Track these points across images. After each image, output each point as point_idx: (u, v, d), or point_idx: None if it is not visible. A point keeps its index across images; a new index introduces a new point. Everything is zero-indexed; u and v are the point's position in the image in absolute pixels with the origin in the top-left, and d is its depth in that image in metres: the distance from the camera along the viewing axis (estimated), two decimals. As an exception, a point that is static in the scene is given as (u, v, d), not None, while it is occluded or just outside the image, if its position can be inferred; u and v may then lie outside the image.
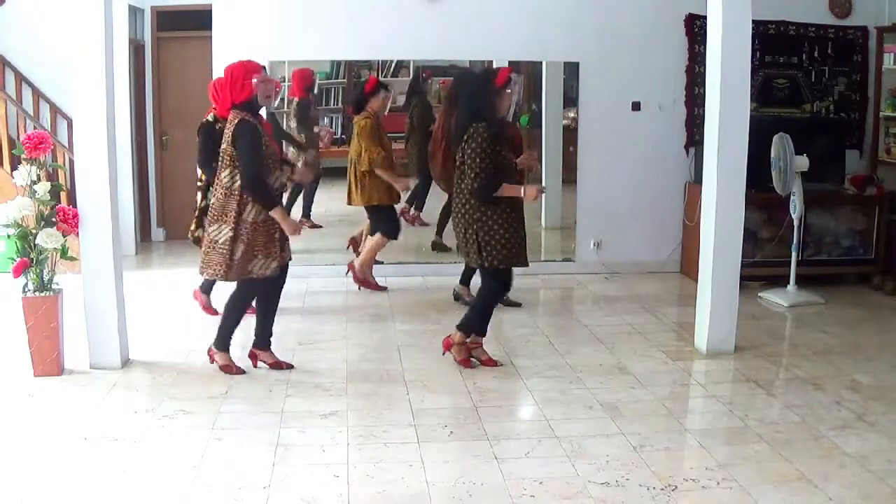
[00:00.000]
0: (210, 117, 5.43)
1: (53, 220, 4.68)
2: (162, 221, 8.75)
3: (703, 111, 5.30)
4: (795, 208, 6.40)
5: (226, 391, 4.55)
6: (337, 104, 7.64)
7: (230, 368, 4.83)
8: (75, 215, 4.72)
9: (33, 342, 4.67)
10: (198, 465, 3.65)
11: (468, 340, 4.94)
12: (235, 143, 4.46)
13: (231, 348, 4.89)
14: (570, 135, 7.44)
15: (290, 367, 4.92)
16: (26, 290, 4.69)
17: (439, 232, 7.30)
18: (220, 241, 4.55)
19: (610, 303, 6.50)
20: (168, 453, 3.79)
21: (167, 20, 8.41)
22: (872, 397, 4.53)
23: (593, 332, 5.70)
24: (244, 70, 4.56)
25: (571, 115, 7.42)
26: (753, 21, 5.06)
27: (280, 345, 5.29)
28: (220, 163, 4.58)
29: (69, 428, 4.02)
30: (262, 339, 4.95)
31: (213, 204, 4.63)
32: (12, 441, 3.90)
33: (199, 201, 5.61)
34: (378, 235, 6.56)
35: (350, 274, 6.76)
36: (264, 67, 4.73)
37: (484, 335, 4.99)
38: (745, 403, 4.43)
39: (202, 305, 6.04)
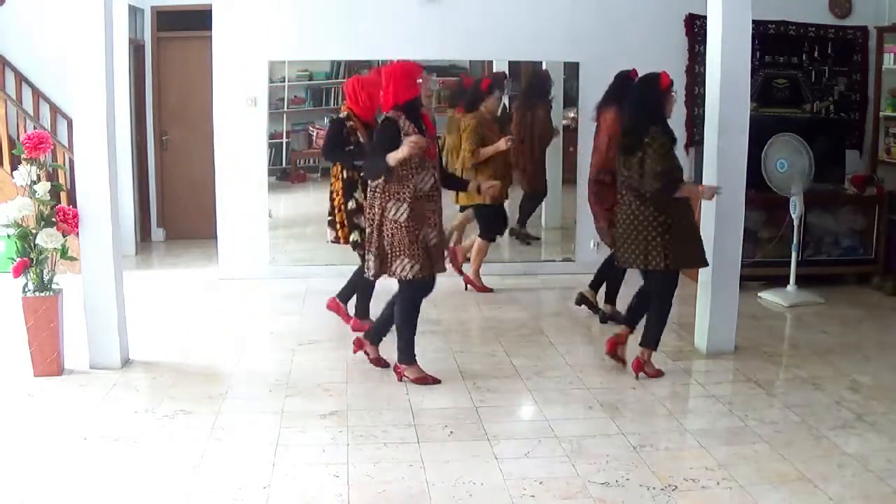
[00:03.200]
0: (344, 114, 5.35)
1: (53, 220, 4.67)
2: (162, 221, 8.76)
3: (703, 111, 5.30)
4: (795, 208, 6.40)
5: (226, 391, 4.55)
6: (337, 104, 7.63)
7: (425, 379, 4.67)
8: (75, 215, 4.72)
9: (33, 342, 4.67)
10: (198, 465, 3.65)
11: (618, 332, 4.92)
12: (373, 136, 4.60)
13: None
14: (570, 135, 7.43)
15: (387, 365, 4.85)
16: (26, 290, 4.69)
17: (522, 221, 7.43)
18: (368, 237, 4.58)
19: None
20: (168, 453, 3.79)
21: (167, 20, 8.41)
22: (872, 397, 4.53)
23: (593, 332, 5.70)
24: (411, 70, 4.56)
25: (571, 115, 7.42)
26: (753, 21, 5.06)
27: (280, 345, 5.31)
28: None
29: (69, 428, 4.02)
30: (376, 334, 4.89)
31: (366, 202, 4.67)
32: (12, 441, 3.90)
33: (338, 203, 5.38)
34: (478, 239, 6.63)
35: (470, 287, 6.75)
36: (423, 69, 4.72)
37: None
38: (745, 403, 4.43)
39: (342, 315, 5.80)
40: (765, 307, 6.42)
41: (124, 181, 7.50)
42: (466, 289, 6.76)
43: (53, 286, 4.72)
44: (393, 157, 4.35)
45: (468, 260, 6.80)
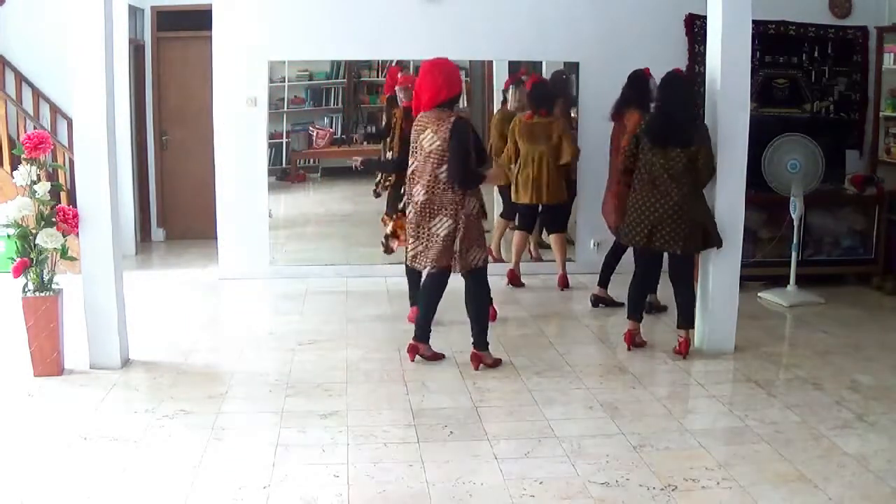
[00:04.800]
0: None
1: (53, 220, 4.67)
2: (162, 221, 8.76)
3: (703, 111, 5.30)
4: (795, 208, 6.40)
5: (226, 391, 4.55)
6: (337, 104, 7.64)
7: (498, 362, 4.95)
8: (75, 215, 4.72)
9: (33, 342, 4.67)
10: (198, 465, 3.65)
11: (630, 329, 5.28)
12: (453, 138, 4.63)
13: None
14: (570, 135, 7.42)
15: (443, 356, 5.07)
16: (26, 290, 4.69)
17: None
18: (443, 235, 4.70)
19: (610, 303, 6.49)
20: (168, 453, 3.79)
21: (167, 20, 8.41)
22: (872, 397, 4.53)
23: (593, 332, 5.70)
24: (454, 68, 4.74)
25: (571, 115, 7.41)
26: (753, 21, 5.06)
27: (280, 345, 5.31)
28: (425, 158, 4.70)
29: (69, 428, 4.02)
30: (423, 333, 5.03)
31: (425, 199, 4.73)
32: (12, 441, 3.90)
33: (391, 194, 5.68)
34: (558, 235, 6.84)
35: (510, 285, 6.87)
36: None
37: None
38: (745, 403, 4.43)
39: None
40: (765, 307, 6.42)
41: (124, 181, 7.50)
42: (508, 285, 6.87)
43: (53, 286, 4.72)
44: (490, 175, 4.97)
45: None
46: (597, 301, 6.28)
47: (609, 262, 6.29)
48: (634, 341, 5.27)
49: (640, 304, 5.34)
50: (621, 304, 5.82)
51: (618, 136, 5.95)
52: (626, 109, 5.82)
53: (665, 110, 5.09)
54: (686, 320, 5.13)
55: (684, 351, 5.10)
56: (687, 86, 5.26)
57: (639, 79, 5.82)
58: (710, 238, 5.04)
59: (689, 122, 5.00)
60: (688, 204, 4.94)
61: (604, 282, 6.28)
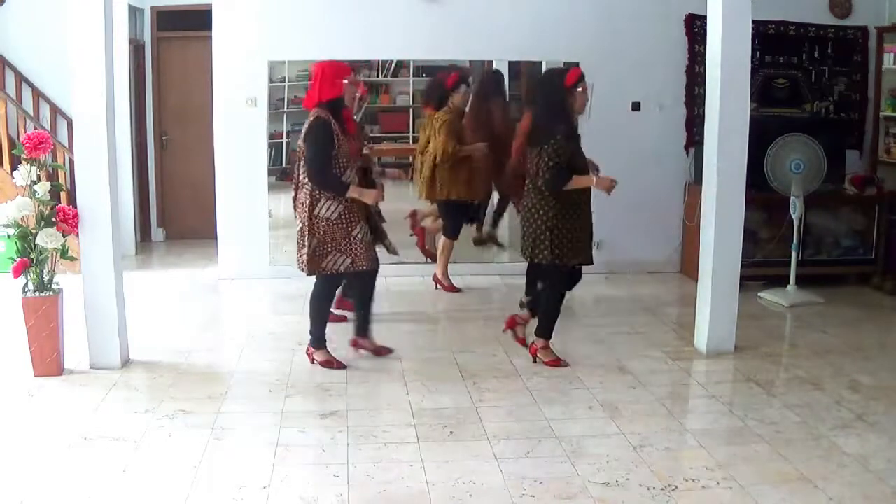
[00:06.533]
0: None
1: (53, 220, 4.67)
2: (162, 221, 8.76)
3: (703, 111, 5.30)
4: (795, 208, 6.40)
5: (226, 391, 4.55)
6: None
7: (330, 363, 4.91)
8: (75, 215, 4.72)
9: (33, 342, 4.67)
10: (198, 465, 3.65)
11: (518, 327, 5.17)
12: (305, 139, 4.61)
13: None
14: (569, 135, 7.42)
15: (389, 351, 5.14)
16: (26, 290, 4.69)
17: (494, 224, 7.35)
18: (298, 236, 4.76)
19: (610, 303, 6.50)
20: (168, 453, 3.79)
21: (167, 20, 8.41)
22: (872, 397, 4.53)
23: (593, 332, 5.70)
24: (337, 70, 4.70)
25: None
26: (753, 21, 5.06)
27: (280, 345, 5.31)
28: (297, 160, 4.71)
29: (69, 428, 4.02)
30: (362, 328, 5.07)
31: (295, 200, 4.80)
32: (12, 441, 3.90)
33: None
34: (443, 238, 6.64)
35: (439, 287, 6.77)
36: (351, 70, 4.85)
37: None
38: (745, 403, 4.43)
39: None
40: (765, 307, 6.42)
41: (124, 181, 7.49)
42: (436, 288, 6.75)
43: (53, 286, 4.72)
44: (355, 193, 4.67)
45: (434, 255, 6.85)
46: (529, 304, 6.14)
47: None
48: (516, 333, 5.20)
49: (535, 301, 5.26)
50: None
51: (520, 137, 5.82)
52: (529, 109, 5.61)
53: (535, 111, 4.96)
54: (538, 328, 5.03)
55: (532, 353, 5.02)
56: (549, 85, 4.93)
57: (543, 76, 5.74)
58: (567, 253, 4.77)
59: (547, 123, 4.74)
60: (533, 210, 4.80)
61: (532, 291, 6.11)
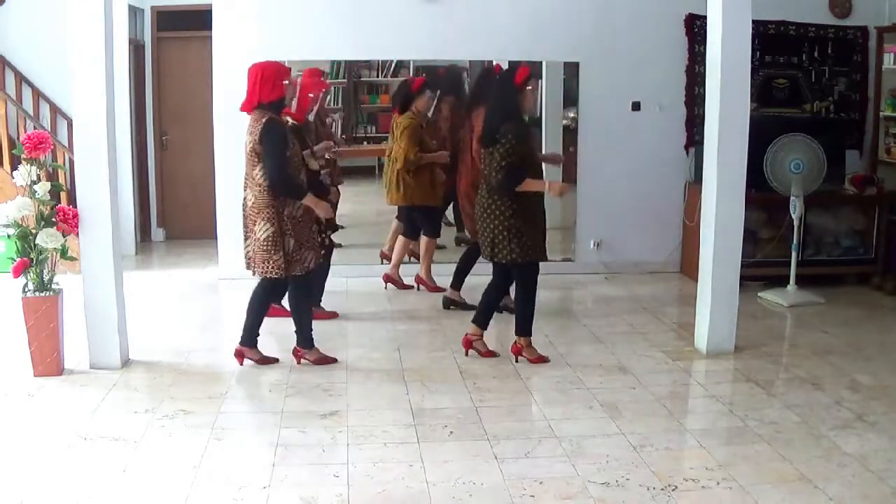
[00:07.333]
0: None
1: (53, 220, 4.67)
2: (162, 221, 8.76)
3: (703, 111, 5.30)
4: (795, 208, 6.40)
5: (226, 391, 4.55)
6: (337, 104, 7.64)
7: (324, 360, 4.96)
8: (75, 215, 4.72)
9: (33, 342, 4.67)
10: (198, 465, 3.65)
11: (469, 332, 5.10)
12: (262, 140, 4.52)
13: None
14: (570, 135, 7.43)
15: (276, 360, 5.03)
16: (26, 290, 4.69)
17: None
18: (262, 239, 4.64)
19: (610, 303, 6.50)
20: (168, 453, 3.79)
21: (167, 20, 8.41)
22: (872, 397, 4.53)
23: (593, 332, 5.70)
24: (277, 71, 4.65)
25: (571, 115, 7.41)
26: (753, 21, 5.06)
27: (281, 345, 5.30)
28: (247, 161, 4.63)
29: (69, 428, 4.02)
30: (250, 338, 4.99)
31: (251, 203, 4.67)
32: (12, 441, 3.90)
33: None
34: (426, 240, 6.60)
35: (422, 287, 6.72)
36: (290, 70, 4.84)
37: (486, 328, 5.14)
38: (745, 403, 4.43)
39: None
40: (765, 307, 6.42)
41: (124, 181, 7.50)
42: (418, 289, 6.72)
43: (53, 286, 4.72)
44: (310, 202, 4.66)
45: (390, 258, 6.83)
46: (448, 303, 6.15)
47: (464, 266, 6.11)
48: (472, 346, 5.10)
49: (487, 311, 5.12)
50: (473, 307, 5.48)
51: (470, 135, 5.78)
52: (475, 108, 5.63)
53: (487, 112, 4.95)
54: (517, 327, 5.01)
55: (514, 352, 5.01)
56: (500, 85, 4.92)
57: (480, 76, 5.72)
58: (527, 251, 4.77)
59: (498, 121, 4.74)
60: (489, 210, 4.79)
61: (457, 284, 6.14)
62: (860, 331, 5.82)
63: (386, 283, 6.76)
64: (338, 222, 6.82)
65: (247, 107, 4.67)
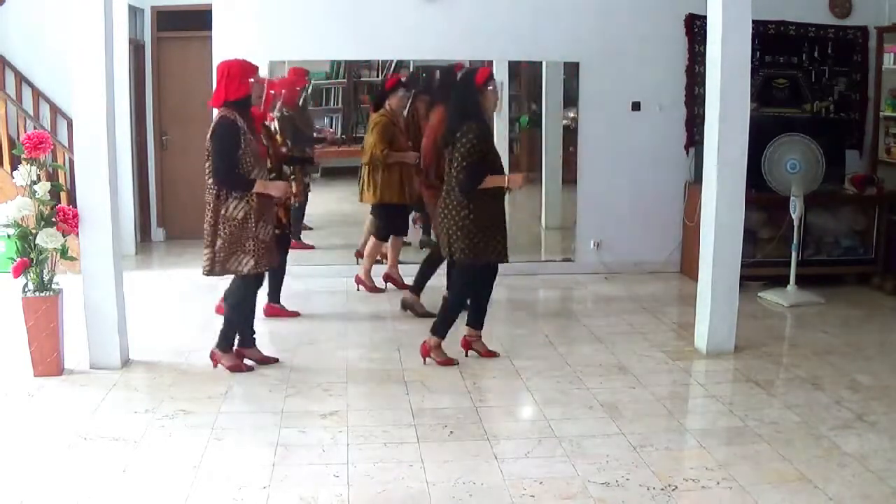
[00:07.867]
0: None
1: (53, 220, 4.67)
2: (162, 221, 8.75)
3: (703, 111, 5.30)
4: (795, 208, 6.40)
5: (226, 391, 4.55)
6: (337, 104, 7.64)
7: (239, 367, 4.85)
8: (75, 215, 4.72)
9: (33, 342, 4.67)
10: (198, 465, 3.65)
11: (466, 334, 5.06)
12: (211, 138, 4.62)
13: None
14: (570, 135, 7.44)
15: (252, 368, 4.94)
16: (26, 290, 4.69)
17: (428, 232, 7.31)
18: (206, 236, 4.75)
19: (610, 303, 6.50)
20: (168, 453, 3.79)
21: (167, 20, 8.41)
22: (872, 397, 4.53)
23: (593, 332, 5.70)
24: (243, 69, 4.65)
25: (571, 115, 7.42)
26: (753, 21, 5.06)
27: (280, 345, 5.31)
28: (207, 159, 4.67)
29: (69, 428, 4.02)
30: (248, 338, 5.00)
31: (206, 200, 4.76)
32: (12, 441, 3.90)
33: None
34: (391, 238, 6.58)
35: (361, 287, 6.71)
36: (257, 68, 4.85)
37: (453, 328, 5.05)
38: (745, 403, 4.43)
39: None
40: (765, 307, 6.42)
41: (124, 181, 7.49)
42: (385, 287, 6.70)
43: (53, 286, 4.72)
44: (260, 188, 4.68)
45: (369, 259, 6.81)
46: (405, 306, 6.05)
47: (426, 270, 6.03)
48: (472, 346, 5.08)
49: (477, 311, 5.06)
50: (430, 315, 5.51)
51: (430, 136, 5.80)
52: (434, 107, 5.67)
53: (447, 111, 4.98)
54: (434, 326, 4.96)
55: (423, 353, 4.96)
56: (461, 85, 4.94)
57: (441, 76, 5.74)
58: (481, 250, 4.76)
59: (458, 121, 4.76)
60: (448, 207, 4.81)
61: (417, 288, 6.04)
62: (860, 331, 5.82)
63: (386, 282, 6.76)
64: (308, 223, 6.90)
65: (215, 103, 4.73)
